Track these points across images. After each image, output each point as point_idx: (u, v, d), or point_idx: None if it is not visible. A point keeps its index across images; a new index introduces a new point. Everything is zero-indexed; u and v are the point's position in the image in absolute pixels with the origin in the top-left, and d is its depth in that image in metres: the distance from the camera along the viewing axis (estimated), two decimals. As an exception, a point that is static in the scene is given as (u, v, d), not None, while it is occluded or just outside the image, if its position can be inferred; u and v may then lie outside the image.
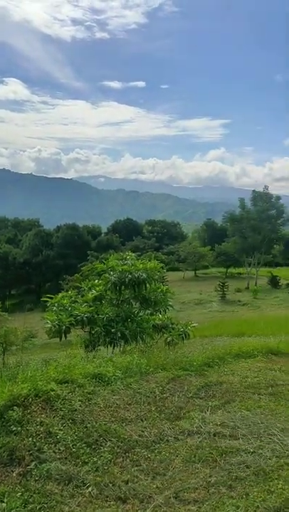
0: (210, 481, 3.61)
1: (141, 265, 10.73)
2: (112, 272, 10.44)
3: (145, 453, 4.10)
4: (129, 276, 10.22)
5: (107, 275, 10.45)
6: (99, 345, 9.86)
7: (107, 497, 3.42)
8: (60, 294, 10.86)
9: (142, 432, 4.47)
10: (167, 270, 66.99)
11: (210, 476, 3.69)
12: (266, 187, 66.62)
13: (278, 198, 64.90)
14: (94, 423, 4.44)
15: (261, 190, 65.95)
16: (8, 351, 22.61)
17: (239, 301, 49.19)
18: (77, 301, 10.29)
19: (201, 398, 5.60)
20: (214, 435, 4.46)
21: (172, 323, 10.64)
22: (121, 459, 3.98)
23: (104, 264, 11.13)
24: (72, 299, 10.46)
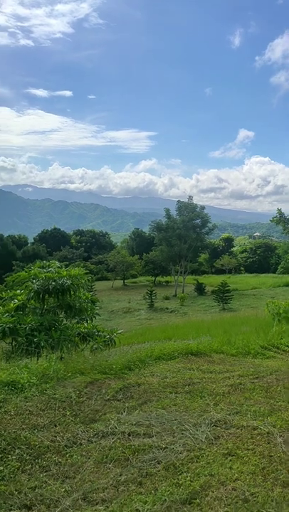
0: (120, 480, 3.56)
1: (65, 272, 10.53)
2: (34, 280, 10.13)
3: (56, 458, 3.96)
4: (53, 283, 9.97)
5: (29, 283, 10.12)
6: (21, 357, 9.49)
7: (12, 506, 3.24)
8: (-21, 305, 10.36)
9: (54, 437, 4.33)
10: (96, 280, 66.76)
11: (120, 475, 3.64)
12: (190, 197, 68.98)
13: (202, 207, 67.43)
14: (2, 431, 4.23)
15: (186, 200, 68.23)
16: None
17: (167, 308, 50.07)
18: (-2, 312, 9.85)
19: (118, 400, 5.55)
20: (128, 435, 4.43)
21: (98, 331, 10.53)
22: (30, 466, 3.80)
23: (27, 272, 10.78)
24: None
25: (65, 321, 10.46)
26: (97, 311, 11.71)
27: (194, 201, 68.86)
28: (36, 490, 3.44)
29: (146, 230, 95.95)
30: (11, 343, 9.71)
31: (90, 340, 10.06)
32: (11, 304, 10.02)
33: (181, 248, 63.58)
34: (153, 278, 75.05)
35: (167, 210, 67.47)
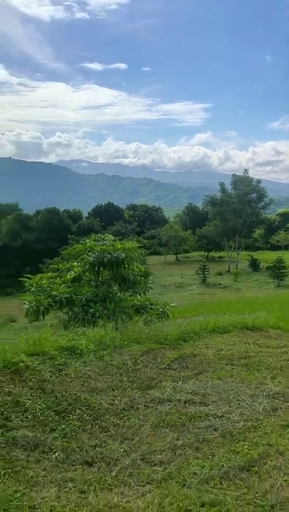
0: (177, 444, 3.63)
1: (119, 245, 10.66)
2: (90, 253, 10.33)
3: (114, 420, 4.10)
4: (108, 256, 10.13)
5: (85, 256, 10.34)
6: (78, 326, 9.80)
7: (74, 461, 3.40)
8: (38, 275, 10.75)
9: (113, 400, 4.47)
10: (149, 254, 67.18)
11: (177, 439, 3.71)
12: (246, 171, 66.95)
13: (259, 181, 65.35)
14: (64, 392, 4.42)
15: (242, 174, 66.35)
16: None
17: (220, 284, 49.63)
18: (56, 282, 10.17)
19: (173, 369, 5.62)
20: (184, 402, 4.50)
21: (151, 304, 10.61)
22: (90, 425, 3.97)
23: (82, 245, 11.01)
24: (51, 280, 10.35)
25: (118, 294, 10.64)
26: (149, 285, 11.78)
27: (250, 175, 66.86)
28: (96, 448, 3.58)
29: (199, 204, 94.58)
30: (68, 313, 10.03)
31: (143, 313, 10.17)
32: (68, 276, 10.30)
33: (235, 223, 62.26)
34: (206, 253, 74.36)
35: (222, 184, 66.06)
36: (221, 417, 4.12)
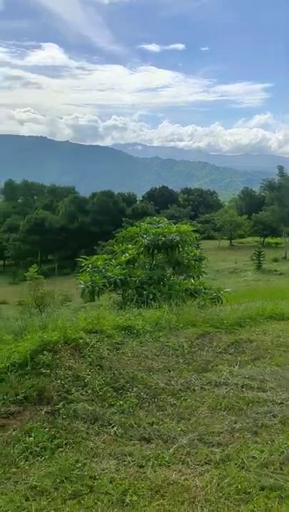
0: (235, 427, 3.61)
1: (174, 228, 10.61)
2: (145, 236, 10.37)
3: (171, 400, 4.14)
4: (163, 239, 10.13)
5: (140, 238, 10.40)
6: (133, 307, 9.93)
7: (132, 436, 3.48)
8: (94, 256, 10.97)
9: (169, 380, 4.51)
10: (202, 239, 66.54)
11: (235, 423, 3.69)
12: (308, 153, 64.13)
13: None
14: (121, 370, 4.52)
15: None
16: (44, 313, 23.18)
17: (275, 270, 48.41)
18: (110, 264, 10.33)
19: (230, 354, 5.56)
20: (242, 387, 4.45)
21: (205, 288, 10.52)
22: (147, 404, 4.03)
23: (137, 227, 11.07)
24: (106, 261, 10.53)
25: (172, 277, 10.63)
26: (203, 270, 11.68)
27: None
28: (154, 426, 3.64)
29: (256, 189, 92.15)
30: (122, 295, 10.17)
31: (196, 297, 10.10)
32: (122, 258, 10.42)
33: (294, 209, 60.14)
34: (261, 239, 72.63)
35: (281, 168, 63.84)
36: (280, 403, 4.04)
